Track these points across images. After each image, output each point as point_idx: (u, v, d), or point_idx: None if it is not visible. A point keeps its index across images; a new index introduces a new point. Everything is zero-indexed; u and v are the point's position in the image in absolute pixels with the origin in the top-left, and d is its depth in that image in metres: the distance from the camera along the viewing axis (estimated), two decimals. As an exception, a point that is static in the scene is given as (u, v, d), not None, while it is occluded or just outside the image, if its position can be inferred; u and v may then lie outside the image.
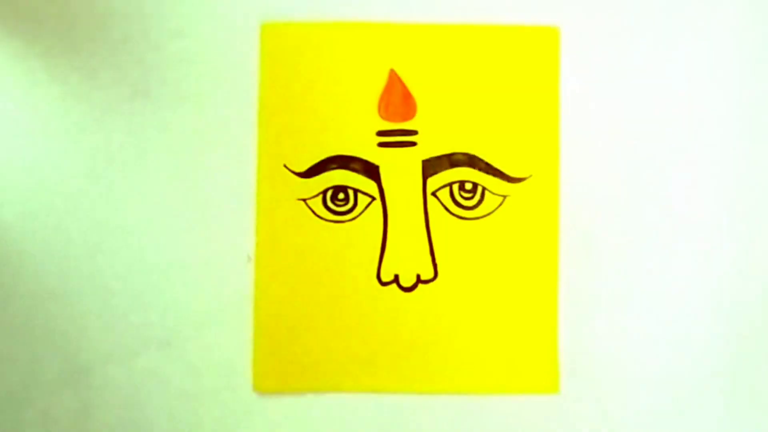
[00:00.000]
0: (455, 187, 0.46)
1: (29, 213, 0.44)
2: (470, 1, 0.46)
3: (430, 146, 0.46)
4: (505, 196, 0.46)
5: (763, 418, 0.46)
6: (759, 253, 0.45)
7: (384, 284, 0.46)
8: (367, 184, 0.46)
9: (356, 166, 0.46)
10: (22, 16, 0.44)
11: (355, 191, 0.46)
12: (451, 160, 0.46)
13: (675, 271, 0.45)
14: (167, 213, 0.45)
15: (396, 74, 0.46)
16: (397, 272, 0.46)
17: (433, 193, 0.46)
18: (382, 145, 0.46)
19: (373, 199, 0.46)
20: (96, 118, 0.44)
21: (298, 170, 0.46)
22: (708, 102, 0.46)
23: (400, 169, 0.46)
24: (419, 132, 0.46)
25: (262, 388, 0.45)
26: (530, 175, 0.46)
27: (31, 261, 0.44)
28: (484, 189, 0.46)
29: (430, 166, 0.46)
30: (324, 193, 0.46)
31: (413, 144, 0.46)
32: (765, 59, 0.47)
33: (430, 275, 0.46)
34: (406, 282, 0.46)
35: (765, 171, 0.47)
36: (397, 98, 0.46)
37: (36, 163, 0.44)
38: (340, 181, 0.46)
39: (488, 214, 0.46)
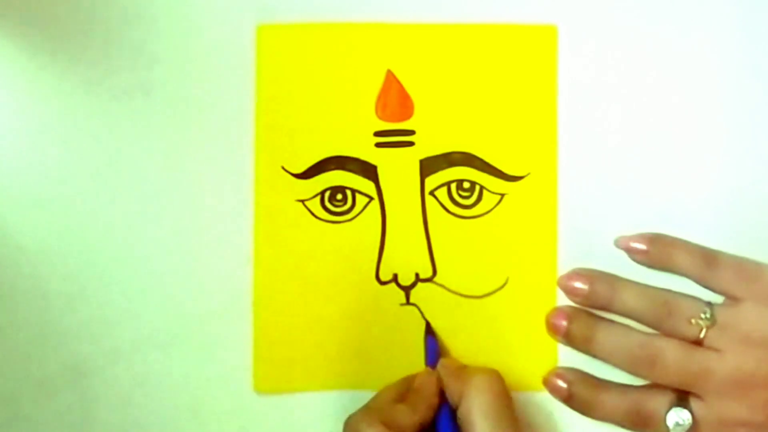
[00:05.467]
0: (453, 186, 0.46)
1: (28, 213, 0.45)
2: (467, 1, 0.46)
3: (427, 146, 0.46)
4: (503, 195, 0.46)
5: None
6: (759, 254, 0.45)
7: (383, 283, 0.46)
8: (365, 185, 0.46)
9: (354, 166, 0.46)
10: (20, 17, 0.45)
11: (353, 191, 0.46)
12: (448, 160, 0.46)
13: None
14: (166, 214, 0.45)
15: (393, 74, 0.46)
16: (395, 271, 0.46)
17: (431, 193, 0.46)
18: (379, 145, 0.46)
19: (371, 199, 0.46)
20: (93, 119, 0.45)
21: (295, 171, 0.46)
22: (707, 100, 0.46)
23: (398, 169, 0.46)
24: (417, 132, 0.46)
25: (262, 388, 0.45)
26: (528, 174, 0.46)
27: (30, 260, 0.45)
28: (482, 187, 0.46)
29: (428, 166, 0.46)
30: (322, 193, 0.46)
31: (411, 144, 0.46)
32: (765, 58, 0.47)
33: (429, 274, 0.46)
34: (404, 281, 0.46)
35: (766, 169, 0.46)
36: (394, 98, 0.46)
37: (35, 163, 0.45)
38: (338, 182, 0.46)
39: (486, 212, 0.46)
